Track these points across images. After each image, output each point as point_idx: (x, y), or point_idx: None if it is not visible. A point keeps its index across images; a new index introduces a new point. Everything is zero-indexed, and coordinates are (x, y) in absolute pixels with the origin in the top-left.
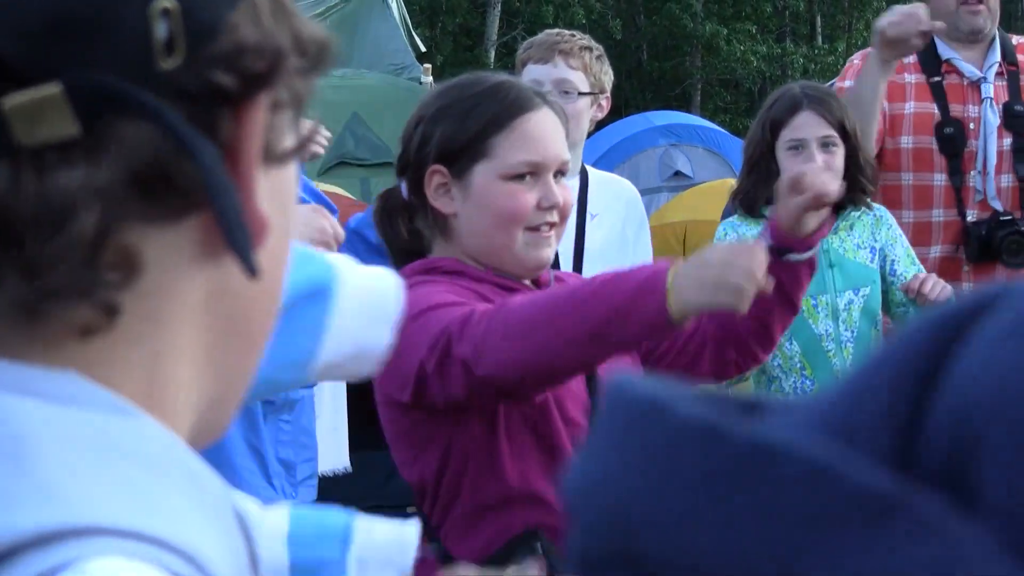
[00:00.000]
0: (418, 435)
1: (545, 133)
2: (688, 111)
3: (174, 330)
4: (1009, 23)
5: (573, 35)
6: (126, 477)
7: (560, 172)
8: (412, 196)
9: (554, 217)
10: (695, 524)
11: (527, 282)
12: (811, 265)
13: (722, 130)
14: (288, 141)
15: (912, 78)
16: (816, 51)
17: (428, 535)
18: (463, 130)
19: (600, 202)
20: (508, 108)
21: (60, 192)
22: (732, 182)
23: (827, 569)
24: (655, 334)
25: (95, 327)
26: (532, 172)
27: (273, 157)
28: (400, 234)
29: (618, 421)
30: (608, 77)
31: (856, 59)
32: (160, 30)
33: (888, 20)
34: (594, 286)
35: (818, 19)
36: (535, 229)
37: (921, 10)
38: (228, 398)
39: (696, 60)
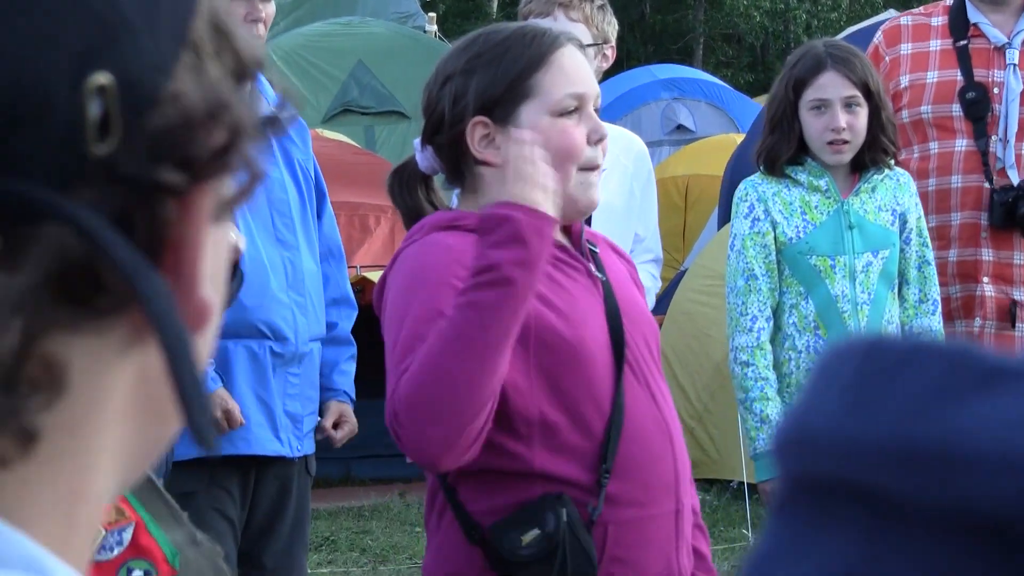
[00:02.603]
0: None
1: (580, 66)
2: (690, 65)
3: (98, 437)
4: None
5: None
6: None
7: (595, 107)
8: (449, 156)
9: (601, 156)
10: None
11: (559, 236)
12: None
13: (725, 85)
14: (233, 185)
15: (938, 44)
16: (819, 7)
17: (444, 488)
18: (501, 75)
19: (609, 156)
20: (541, 46)
21: None
22: (735, 137)
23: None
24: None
25: (9, 458)
26: (577, 106)
27: (221, 214)
28: (420, 205)
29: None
30: (612, 27)
31: (890, 22)
32: (93, 110)
33: None
34: (468, 315)
35: None
36: (586, 169)
37: None
38: (146, 462)
39: (699, 14)
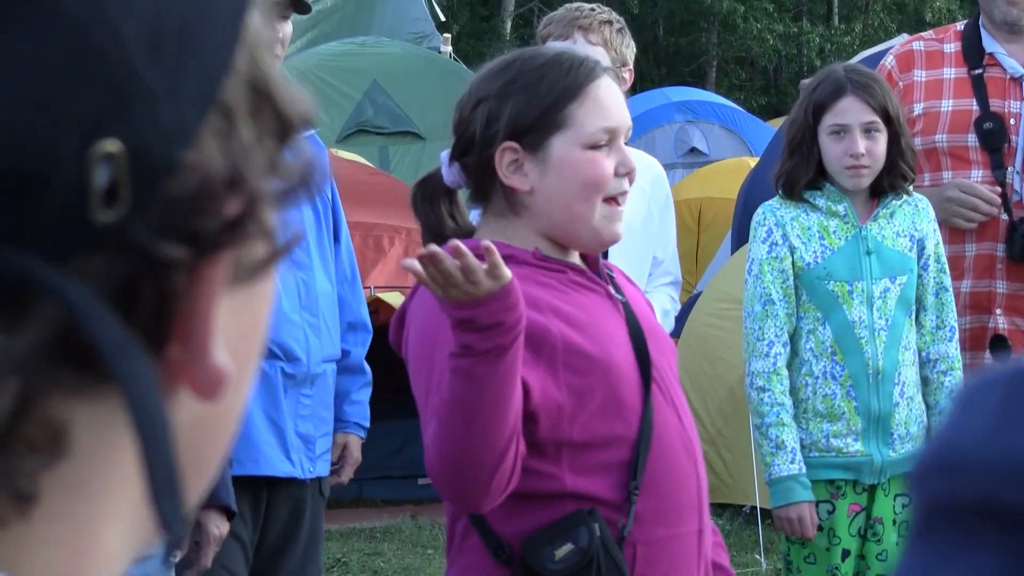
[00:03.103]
0: None
1: (615, 99)
2: (703, 88)
3: (104, 499)
4: None
5: (593, 9)
6: None
7: (625, 138)
8: (476, 178)
9: (627, 186)
10: None
11: (573, 259)
12: None
13: (739, 108)
14: (264, 248)
15: (952, 72)
16: (832, 31)
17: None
18: (535, 102)
19: None
20: (577, 76)
21: None
22: (748, 160)
23: None
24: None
25: (5, 518)
26: (608, 139)
27: (242, 276)
28: (443, 220)
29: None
30: (630, 50)
31: (901, 47)
32: (100, 178)
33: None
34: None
35: None
36: (611, 201)
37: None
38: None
39: (712, 37)
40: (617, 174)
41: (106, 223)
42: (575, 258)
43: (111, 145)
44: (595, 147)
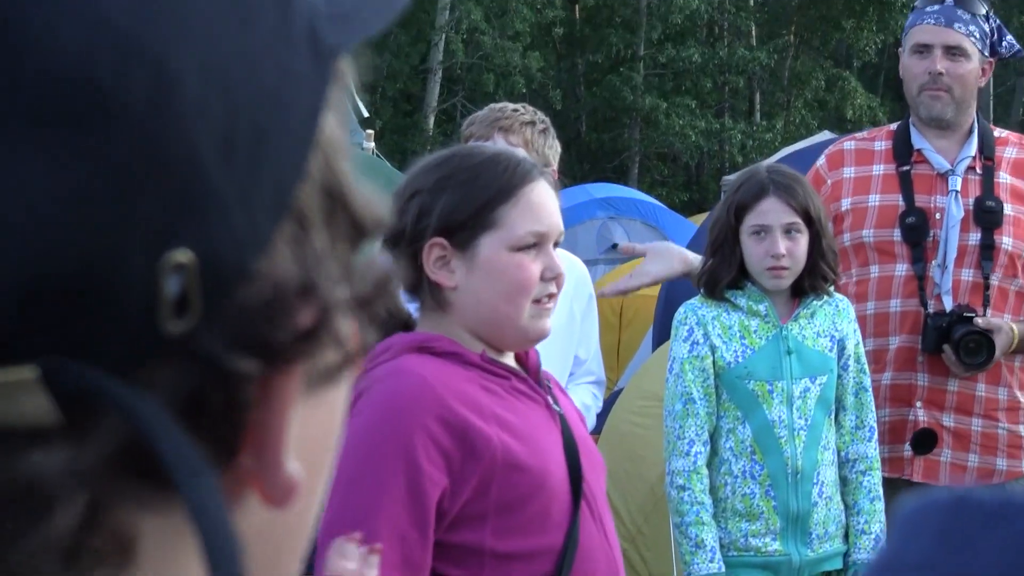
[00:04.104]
0: None
1: (547, 202)
2: (625, 183)
3: None
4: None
5: (516, 110)
6: None
7: (556, 242)
8: (405, 270)
9: (555, 288)
10: None
11: (513, 364)
12: None
13: (660, 204)
14: (336, 355)
15: (880, 169)
16: (754, 127)
17: None
18: (468, 201)
19: None
20: (512, 178)
21: (36, 477)
22: None
23: None
24: None
25: None
26: (537, 242)
27: (314, 384)
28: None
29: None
30: (553, 151)
31: (833, 147)
32: (171, 289)
33: None
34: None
35: (757, 96)
36: (538, 301)
37: None
38: None
39: (635, 132)
40: (543, 278)
41: (176, 334)
42: (512, 361)
43: (182, 255)
44: (523, 249)
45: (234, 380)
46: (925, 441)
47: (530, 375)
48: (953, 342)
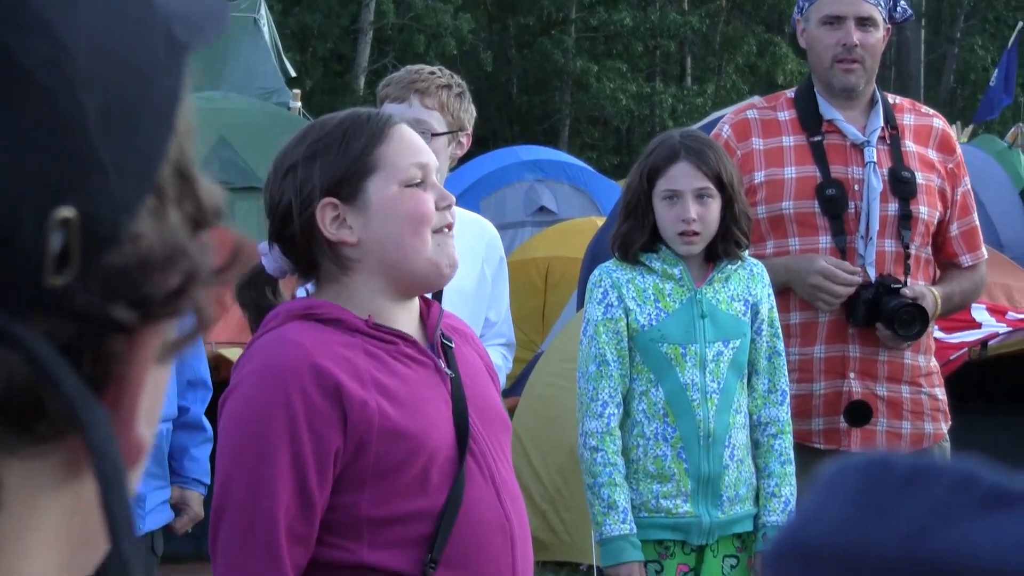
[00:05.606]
0: None
1: (417, 140)
2: (556, 147)
3: (26, 560)
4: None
5: (433, 72)
6: None
7: (437, 176)
8: (302, 247)
9: (451, 218)
10: None
11: (405, 328)
12: None
13: (589, 167)
14: (180, 327)
15: (791, 140)
16: (685, 92)
17: None
18: (344, 154)
19: (461, 242)
20: (377, 123)
21: None
22: (596, 220)
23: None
24: None
25: None
26: (422, 177)
27: (164, 356)
28: (273, 306)
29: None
30: (469, 115)
31: (734, 115)
32: (54, 243)
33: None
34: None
35: (688, 60)
36: (438, 231)
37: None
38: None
39: (566, 96)
40: (438, 208)
41: (55, 287)
42: (411, 327)
43: (67, 211)
44: (411, 185)
45: (106, 333)
46: (859, 413)
47: (427, 334)
48: (886, 315)
